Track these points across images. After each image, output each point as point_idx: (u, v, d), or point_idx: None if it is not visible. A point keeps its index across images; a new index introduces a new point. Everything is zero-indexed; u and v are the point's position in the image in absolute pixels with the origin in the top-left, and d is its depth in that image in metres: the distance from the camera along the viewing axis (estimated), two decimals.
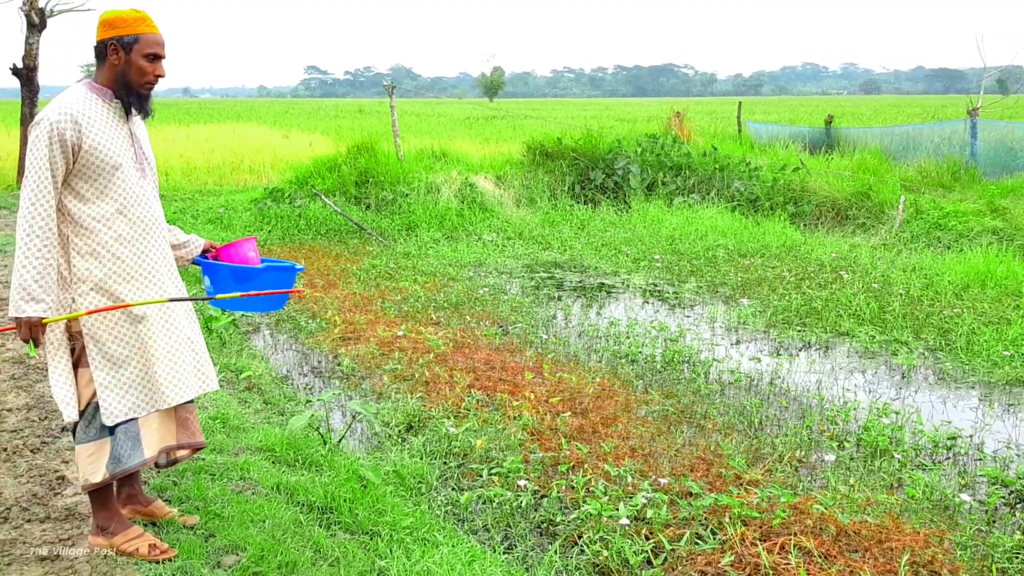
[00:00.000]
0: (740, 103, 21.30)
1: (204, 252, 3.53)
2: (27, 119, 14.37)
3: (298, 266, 3.62)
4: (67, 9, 14.05)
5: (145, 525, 3.34)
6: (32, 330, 2.84)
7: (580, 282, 9.56)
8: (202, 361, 3.32)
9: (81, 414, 3.02)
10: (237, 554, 3.22)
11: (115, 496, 3.22)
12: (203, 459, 4.12)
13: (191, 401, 3.32)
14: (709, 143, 15.93)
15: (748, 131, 19.85)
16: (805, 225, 12.34)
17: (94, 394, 2.97)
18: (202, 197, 14.84)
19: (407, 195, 13.00)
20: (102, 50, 3.03)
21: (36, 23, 13.64)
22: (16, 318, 2.80)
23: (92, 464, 2.98)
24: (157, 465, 3.26)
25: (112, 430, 3.00)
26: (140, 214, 3.09)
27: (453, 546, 3.64)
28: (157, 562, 3.02)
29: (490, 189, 13.66)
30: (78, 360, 2.98)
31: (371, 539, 3.64)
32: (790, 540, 3.77)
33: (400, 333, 7.12)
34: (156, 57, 3.05)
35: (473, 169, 14.45)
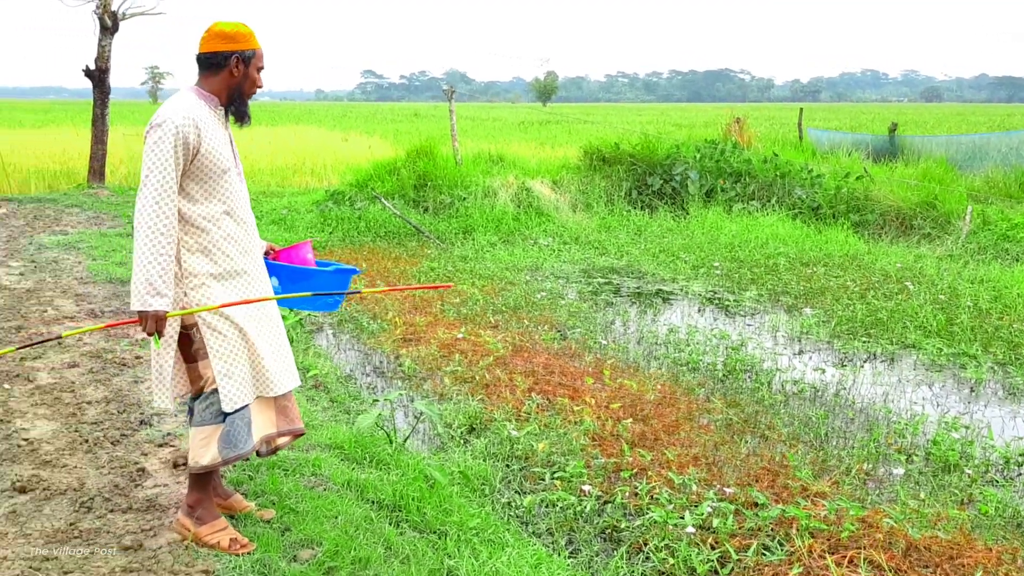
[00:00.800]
0: (801, 109, 21.00)
1: (265, 253, 3.67)
2: (98, 119, 14.80)
3: (355, 269, 3.80)
4: (138, 12, 14.44)
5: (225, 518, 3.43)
6: (158, 323, 2.97)
7: (638, 288, 9.53)
8: (291, 355, 3.49)
9: (195, 398, 3.20)
10: (312, 548, 3.29)
11: (213, 486, 3.34)
12: (276, 455, 4.21)
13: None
14: (769, 149, 15.76)
15: (809, 138, 19.58)
16: (869, 234, 12.14)
17: (209, 381, 3.10)
18: (266, 199, 15.11)
19: (464, 199, 13.09)
20: (219, 61, 3.18)
21: (108, 26, 14.03)
22: (142, 312, 2.92)
23: (203, 447, 3.12)
24: (258, 454, 3.37)
25: (226, 417, 3.12)
26: (243, 215, 3.29)
27: (520, 548, 3.67)
28: (236, 555, 3.11)
29: (546, 193, 13.69)
30: (195, 352, 3.12)
31: (439, 538, 3.68)
32: (859, 554, 3.73)
33: (460, 335, 7.18)
34: (261, 69, 3.32)
35: (529, 173, 14.50)
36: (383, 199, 12.65)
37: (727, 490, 4.38)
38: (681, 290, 9.43)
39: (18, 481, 3.66)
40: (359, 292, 4.13)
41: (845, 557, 3.71)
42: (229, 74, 3.19)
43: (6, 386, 4.93)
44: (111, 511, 3.46)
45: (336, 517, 3.56)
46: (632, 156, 14.46)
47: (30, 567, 3.00)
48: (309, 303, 3.75)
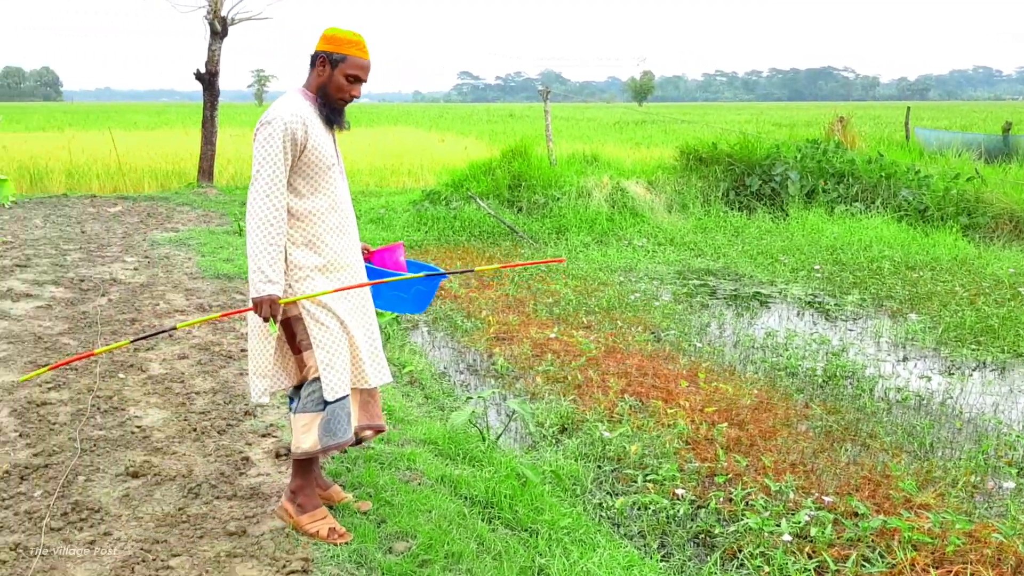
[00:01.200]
0: (908, 108, 20.26)
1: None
2: (208, 121, 15.39)
3: (444, 274, 3.82)
4: (246, 18, 14.96)
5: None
6: (272, 307, 3.10)
7: (735, 290, 9.37)
8: (382, 353, 3.56)
9: (297, 387, 3.31)
10: (407, 541, 3.36)
11: (315, 473, 3.44)
12: (372, 447, 4.30)
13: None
14: (874, 149, 15.26)
15: (916, 138, 18.87)
16: (979, 238, 11.63)
17: (312, 370, 3.21)
18: (364, 198, 15.43)
19: (558, 199, 13.10)
20: (312, 59, 3.30)
21: (218, 31, 14.58)
22: (256, 298, 3.05)
23: (305, 433, 3.23)
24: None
25: (326, 405, 3.22)
26: (346, 210, 3.42)
27: (611, 549, 3.66)
28: (335, 544, 3.19)
29: (641, 194, 13.58)
30: (299, 342, 3.24)
31: (530, 536, 3.70)
32: (965, 569, 3.59)
33: (552, 335, 7.20)
34: (356, 79, 3.27)
35: (624, 174, 14.41)
36: (478, 199, 12.77)
37: (826, 499, 4.28)
38: (780, 293, 9.22)
39: (131, 466, 3.85)
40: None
41: (951, 572, 3.58)
42: (316, 73, 3.27)
43: (121, 376, 5.18)
44: (217, 498, 3.60)
45: (430, 511, 3.62)
46: (730, 156, 14.21)
47: (141, 548, 3.15)
48: (397, 302, 3.81)
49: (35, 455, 3.93)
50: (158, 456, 4.02)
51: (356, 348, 3.33)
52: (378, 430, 3.57)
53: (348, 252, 3.40)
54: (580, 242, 11.73)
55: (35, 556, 3.06)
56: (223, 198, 14.32)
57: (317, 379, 3.23)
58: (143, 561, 3.06)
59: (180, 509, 3.48)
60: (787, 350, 6.97)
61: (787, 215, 13.03)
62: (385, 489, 3.80)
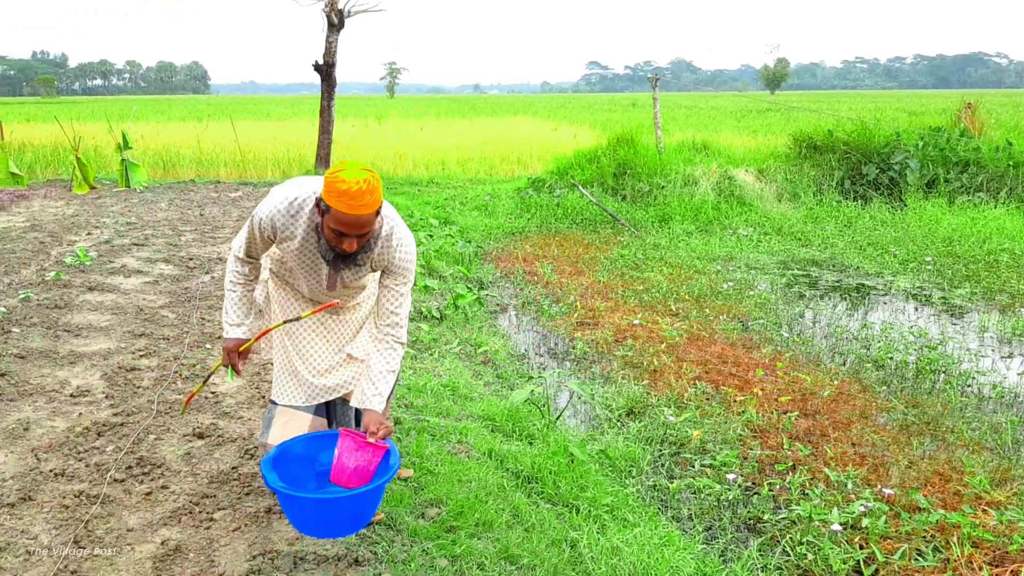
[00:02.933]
0: None
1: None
2: (325, 111, 15.97)
3: (394, 471, 2.84)
4: (362, 10, 15.42)
5: None
6: (228, 355, 3.25)
7: (838, 281, 9.05)
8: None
9: None
10: (440, 508, 3.46)
11: None
12: (427, 421, 4.43)
13: (323, 417, 3.31)
14: (1003, 138, 14.37)
15: None
16: None
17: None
18: (472, 186, 15.69)
19: (663, 187, 12.96)
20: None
21: (335, 23, 15.09)
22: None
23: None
24: None
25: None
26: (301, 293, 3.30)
27: (650, 528, 3.65)
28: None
29: (750, 182, 13.26)
30: None
31: (569, 511, 3.74)
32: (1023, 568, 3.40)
33: (636, 321, 7.17)
34: (341, 234, 2.83)
35: (734, 162, 14.10)
36: (580, 186, 12.78)
37: (887, 491, 4.13)
38: (885, 285, 8.85)
39: (199, 428, 4.11)
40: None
41: (1007, 571, 3.41)
42: (318, 212, 2.96)
43: (208, 346, 5.50)
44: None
45: (470, 482, 3.71)
46: (846, 144, 13.69)
47: (191, 501, 3.37)
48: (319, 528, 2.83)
49: (115, 414, 4.25)
50: (225, 420, 4.26)
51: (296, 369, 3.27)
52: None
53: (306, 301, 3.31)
54: (682, 230, 11.57)
55: (95, 503, 3.33)
56: None
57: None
58: (190, 513, 3.28)
59: (234, 468, 3.70)
60: (880, 342, 6.71)
61: (905, 205, 12.46)
62: (430, 459, 3.91)
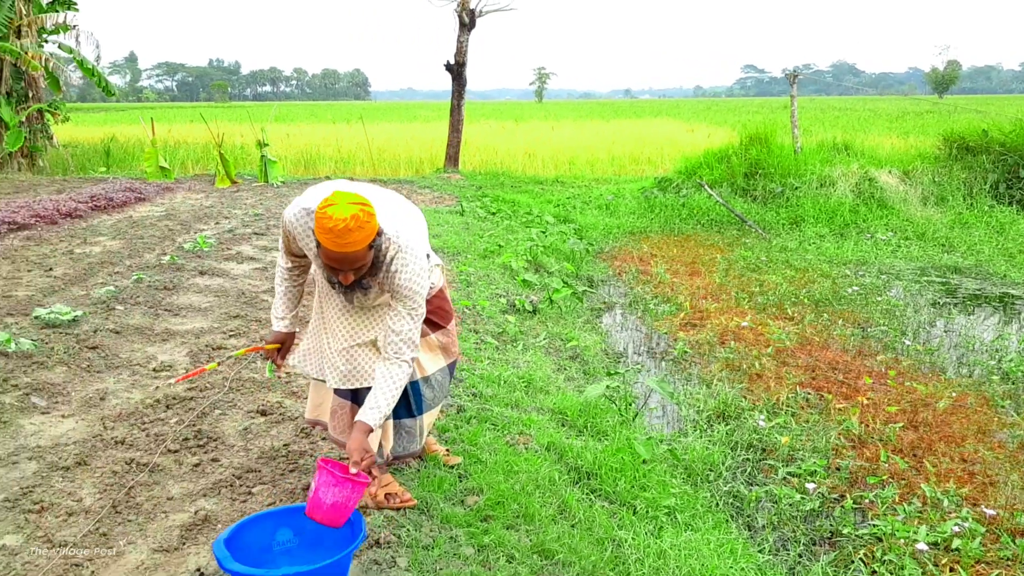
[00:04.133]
0: None
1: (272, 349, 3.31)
2: (455, 110, 16.16)
3: (358, 542, 2.57)
4: (494, 9, 15.52)
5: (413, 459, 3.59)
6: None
7: (979, 290, 8.33)
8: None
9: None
10: (480, 496, 3.33)
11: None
12: (492, 411, 4.31)
13: (347, 400, 3.21)
14: None
15: None
16: None
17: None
18: (597, 185, 15.48)
19: (797, 188, 12.36)
20: None
21: (466, 23, 15.24)
22: None
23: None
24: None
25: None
26: (326, 322, 3.20)
27: (712, 533, 3.39)
28: (394, 509, 3.18)
29: (893, 184, 12.45)
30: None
31: (624, 510, 3.53)
32: None
33: (744, 324, 6.81)
34: (333, 268, 2.76)
35: (877, 163, 13.30)
36: (706, 186, 12.36)
37: (988, 511, 3.70)
38: None
39: (263, 406, 4.14)
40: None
41: None
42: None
43: (297, 329, 5.59)
44: (323, 439, 3.78)
45: (519, 474, 3.56)
46: (1003, 145, 12.64)
47: (234, 475, 3.38)
48: None
49: (189, 388, 4.35)
50: (291, 399, 4.28)
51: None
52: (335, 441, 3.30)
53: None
54: (815, 233, 10.99)
55: (143, 471, 3.39)
56: (463, 183, 14.97)
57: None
58: (230, 486, 3.28)
59: (285, 445, 3.69)
60: (1016, 354, 6.09)
61: None
62: (483, 448, 3.78)
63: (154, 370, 4.63)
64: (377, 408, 2.79)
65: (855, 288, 8.10)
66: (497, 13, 15.44)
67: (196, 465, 3.49)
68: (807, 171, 12.75)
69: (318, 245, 2.72)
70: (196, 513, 3.05)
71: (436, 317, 3.25)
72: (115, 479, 3.32)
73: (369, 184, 3.05)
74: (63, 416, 3.95)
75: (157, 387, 4.37)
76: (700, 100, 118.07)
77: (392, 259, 2.84)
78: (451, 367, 3.38)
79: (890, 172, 12.82)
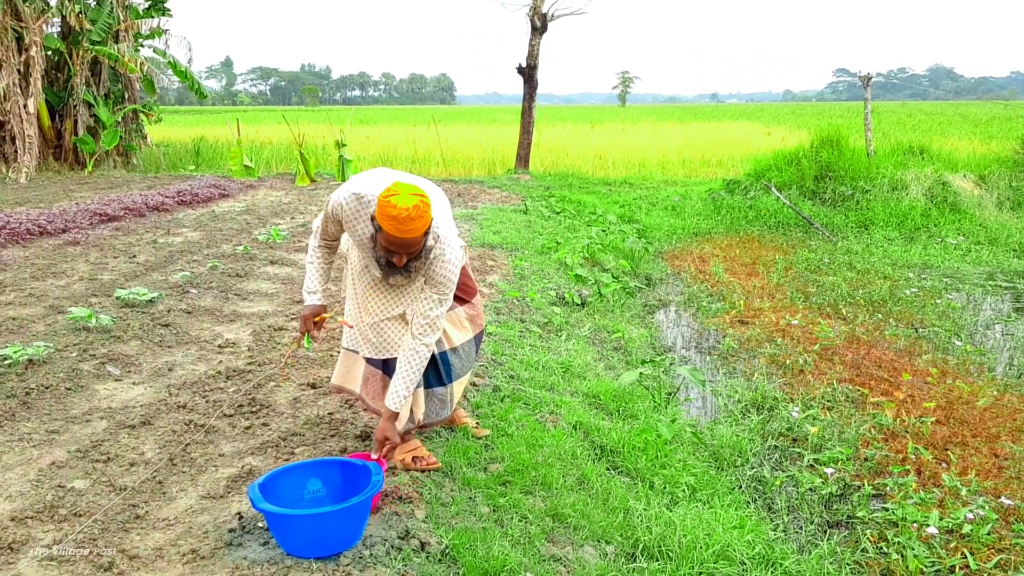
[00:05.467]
0: None
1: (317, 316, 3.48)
2: (526, 112, 16.46)
3: (374, 480, 2.82)
4: (566, 13, 15.75)
5: (442, 429, 3.83)
6: (304, 321, 3.46)
7: None
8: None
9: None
10: (501, 464, 3.56)
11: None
12: (526, 391, 4.54)
13: (378, 369, 3.44)
14: None
15: None
16: None
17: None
18: (665, 187, 15.55)
19: (868, 191, 12.24)
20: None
21: (538, 27, 15.51)
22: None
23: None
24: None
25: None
26: (363, 304, 3.39)
27: (729, 510, 3.55)
28: (420, 471, 3.43)
29: (967, 189, 12.22)
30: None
31: (642, 485, 3.72)
32: None
33: (794, 322, 6.88)
34: (390, 251, 3.01)
35: (952, 167, 13.05)
36: (774, 188, 12.34)
37: (1007, 502, 3.76)
38: None
39: (315, 379, 4.46)
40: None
41: None
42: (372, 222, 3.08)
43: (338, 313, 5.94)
44: (365, 410, 4.06)
45: (543, 447, 3.78)
46: None
47: (280, 437, 3.69)
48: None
49: (249, 363, 4.70)
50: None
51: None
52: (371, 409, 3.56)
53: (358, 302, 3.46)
54: (883, 237, 10.89)
55: (199, 431, 3.73)
56: (531, 183, 15.22)
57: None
58: (276, 446, 3.59)
59: (329, 414, 3.99)
60: None
61: None
62: (513, 424, 4.02)
63: (219, 346, 5.01)
64: (398, 394, 3.15)
65: (913, 290, 8.06)
66: (570, 17, 15.68)
67: (247, 428, 3.81)
68: (879, 174, 12.61)
69: (378, 230, 2.98)
70: (242, 468, 3.36)
71: (461, 292, 3.51)
72: (174, 437, 3.67)
73: (402, 172, 3.32)
74: (133, 383, 4.34)
75: (220, 361, 4.74)
76: (786, 104, 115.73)
77: (432, 248, 3.12)
78: (478, 338, 3.63)
79: (964, 176, 12.58)
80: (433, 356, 3.42)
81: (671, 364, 5.66)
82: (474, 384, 4.53)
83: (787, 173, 13.17)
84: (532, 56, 15.80)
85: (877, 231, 11.16)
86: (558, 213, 11.83)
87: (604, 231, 10.31)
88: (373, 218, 3.02)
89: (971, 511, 3.65)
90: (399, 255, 3.02)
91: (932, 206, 11.91)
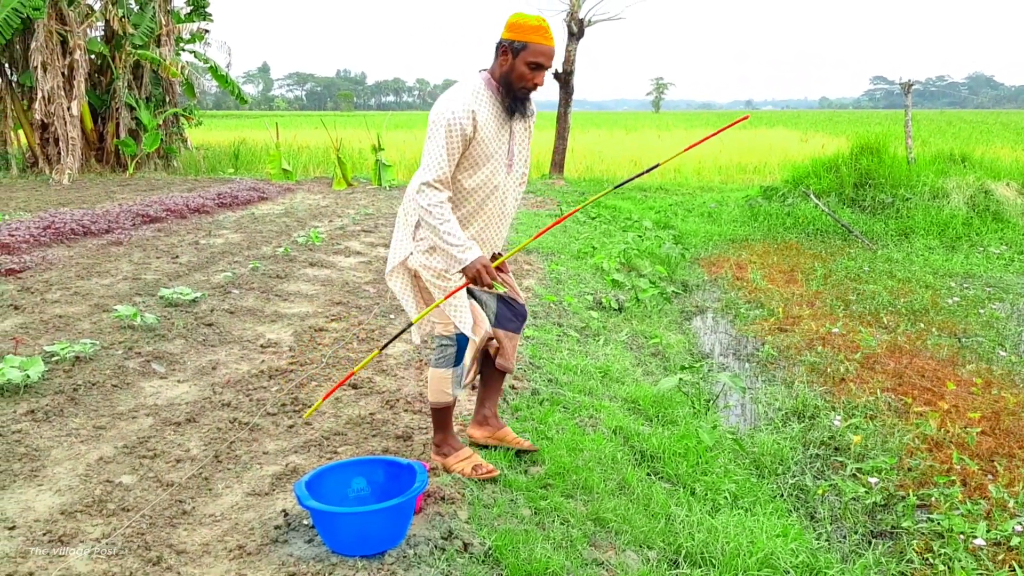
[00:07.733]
0: None
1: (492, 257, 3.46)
2: (561, 118, 16.47)
3: (421, 487, 2.81)
4: (604, 19, 15.74)
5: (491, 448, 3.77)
6: (486, 269, 3.11)
7: None
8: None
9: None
10: (541, 467, 3.56)
11: (451, 421, 3.53)
12: (565, 395, 4.53)
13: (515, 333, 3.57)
14: None
15: None
16: None
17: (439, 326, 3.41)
18: (702, 193, 15.47)
19: (908, 199, 12.08)
20: (496, 47, 3.19)
21: (575, 32, 15.53)
22: (467, 268, 3.10)
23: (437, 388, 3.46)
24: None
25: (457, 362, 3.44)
26: (491, 202, 3.31)
27: (771, 519, 3.52)
28: (480, 479, 3.41)
29: (1011, 197, 12.03)
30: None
31: (683, 491, 3.70)
32: None
33: (835, 330, 6.81)
34: (539, 67, 3.12)
35: (995, 175, 12.85)
36: (813, 195, 12.23)
37: None
38: None
39: (357, 380, 4.49)
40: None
41: None
42: (499, 63, 3.17)
43: (391, 316, 5.96)
44: (405, 411, 4.09)
45: (583, 451, 3.77)
46: None
47: (323, 436, 3.73)
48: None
49: (291, 363, 4.75)
50: (381, 376, 4.62)
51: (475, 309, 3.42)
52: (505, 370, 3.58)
53: (491, 231, 3.38)
54: (924, 245, 10.75)
55: (244, 429, 3.77)
56: (566, 188, 15.22)
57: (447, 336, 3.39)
58: (319, 445, 3.62)
59: (371, 414, 4.02)
60: None
61: None
62: (552, 427, 4.01)
63: (261, 346, 5.06)
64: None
65: (956, 299, 7.94)
66: (607, 23, 15.68)
67: (290, 426, 3.85)
68: (919, 182, 12.45)
69: (521, 49, 3.10)
70: (286, 466, 3.40)
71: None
72: (219, 435, 3.71)
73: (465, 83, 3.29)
74: (178, 381, 4.40)
75: (263, 360, 4.79)
76: (822, 111, 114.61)
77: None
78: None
79: (1008, 184, 12.39)
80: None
81: (710, 371, 5.62)
82: (512, 387, 4.54)
83: (826, 180, 13.04)
84: (568, 62, 15.81)
85: (918, 240, 11.02)
86: (593, 218, 11.82)
87: (640, 236, 10.28)
88: (508, 47, 3.12)
89: (1020, 523, 3.58)
90: (542, 72, 3.16)
91: (974, 215, 11.74)
